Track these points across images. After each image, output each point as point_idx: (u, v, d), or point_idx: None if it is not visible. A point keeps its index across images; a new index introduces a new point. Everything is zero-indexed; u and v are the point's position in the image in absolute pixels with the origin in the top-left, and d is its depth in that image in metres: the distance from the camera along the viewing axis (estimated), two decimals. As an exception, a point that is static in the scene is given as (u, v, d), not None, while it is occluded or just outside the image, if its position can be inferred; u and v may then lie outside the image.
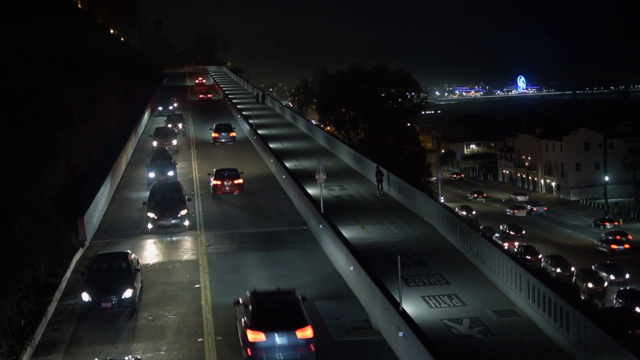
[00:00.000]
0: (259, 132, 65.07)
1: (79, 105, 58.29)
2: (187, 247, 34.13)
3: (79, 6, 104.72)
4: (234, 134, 64.73)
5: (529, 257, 64.99)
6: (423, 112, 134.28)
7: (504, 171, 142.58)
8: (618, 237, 78.54)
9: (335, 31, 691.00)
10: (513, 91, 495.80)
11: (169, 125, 68.63)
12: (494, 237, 71.42)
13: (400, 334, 21.57)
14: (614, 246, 75.24)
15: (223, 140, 63.55)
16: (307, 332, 21.02)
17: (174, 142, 60.89)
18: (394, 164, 72.53)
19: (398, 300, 22.42)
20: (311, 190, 40.49)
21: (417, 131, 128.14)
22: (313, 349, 21.07)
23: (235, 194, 44.50)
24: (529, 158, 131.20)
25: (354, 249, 28.80)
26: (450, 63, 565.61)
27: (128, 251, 28.63)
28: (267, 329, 20.87)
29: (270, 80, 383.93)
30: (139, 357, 20.87)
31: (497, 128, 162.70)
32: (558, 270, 62.42)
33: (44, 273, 29.38)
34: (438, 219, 37.29)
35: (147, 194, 39.56)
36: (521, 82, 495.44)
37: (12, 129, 39.65)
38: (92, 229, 36.38)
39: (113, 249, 34.09)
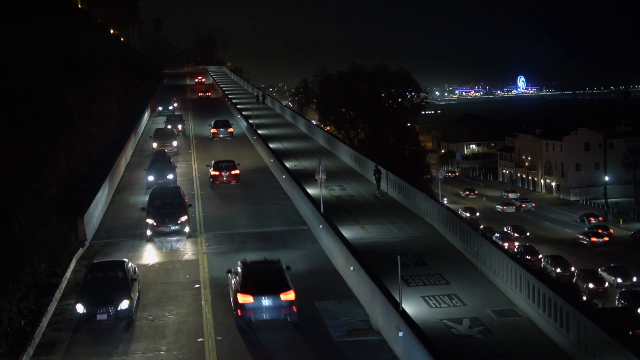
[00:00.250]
0: (259, 132, 65.08)
1: (79, 105, 58.31)
2: (187, 247, 34.13)
3: (79, 6, 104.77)
4: (231, 129, 67.67)
5: (529, 257, 65.00)
6: (423, 112, 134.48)
7: (504, 171, 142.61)
8: (600, 230, 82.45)
9: (335, 31, 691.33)
10: (513, 91, 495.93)
11: (169, 127, 67.64)
12: (494, 237, 71.45)
13: (400, 334, 21.57)
14: (594, 239, 79.33)
15: (221, 136, 66.64)
16: (289, 295, 24.01)
17: (174, 143, 60.26)
18: (394, 164, 72.50)
19: (398, 300, 22.41)
20: (311, 190, 40.49)
21: (417, 131, 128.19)
22: (295, 309, 23.99)
23: (232, 183, 47.31)
24: (529, 158, 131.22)
25: (354, 249, 28.80)
26: (450, 63, 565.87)
27: (124, 260, 27.24)
28: (254, 292, 23.89)
29: (270, 80, 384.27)
30: None
31: (497, 128, 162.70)
32: (558, 270, 62.48)
33: (44, 273, 29.36)
34: (438, 219, 37.28)
35: (146, 197, 38.81)
36: (521, 82, 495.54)
37: (12, 129, 39.66)
38: (92, 229, 36.37)
39: (113, 248, 34.15)
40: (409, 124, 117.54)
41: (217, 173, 47.48)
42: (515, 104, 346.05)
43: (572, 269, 64.56)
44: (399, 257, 23.30)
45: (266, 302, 23.83)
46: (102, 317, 24.02)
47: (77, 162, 48.52)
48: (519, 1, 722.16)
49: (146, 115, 79.85)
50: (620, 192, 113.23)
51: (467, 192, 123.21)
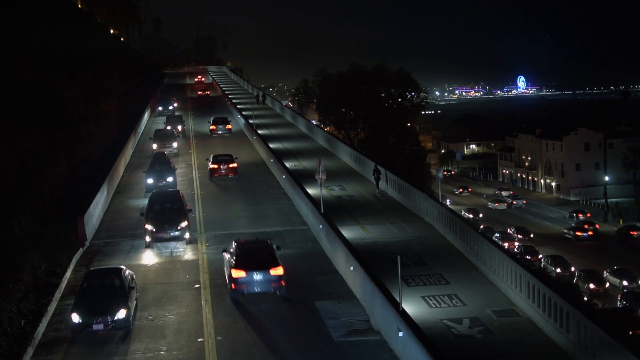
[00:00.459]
0: (259, 132, 65.12)
1: (79, 105, 58.29)
2: (187, 247, 34.10)
3: (79, 6, 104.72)
4: (229, 126, 69.85)
5: (529, 257, 64.96)
6: (423, 112, 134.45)
7: (504, 171, 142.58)
8: (586, 225, 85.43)
9: (335, 31, 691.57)
10: (513, 91, 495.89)
11: (168, 127, 66.78)
12: (494, 237, 71.43)
13: (400, 334, 21.58)
14: (578, 233, 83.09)
15: (220, 132, 68.83)
16: (278, 271, 26.62)
17: (174, 144, 59.58)
18: (394, 164, 72.50)
19: (398, 300, 22.42)
20: (311, 190, 40.50)
21: (417, 131, 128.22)
22: (283, 284, 26.72)
23: (230, 176, 49.30)
24: (529, 158, 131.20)
25: (354, 249, 28.80)
26: (450, 63, 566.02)
27: (122, 267, 26.18)
28: (247, 268, 26.47)
29: (270, 80, 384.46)
30: None
31: (497, 128, 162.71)
32: (558, 270, 62.42)
33: (44, 273, 29.36)
34: (438, 219, 37.28)
35: (145, 201, 38.14)
36: (521, 82, 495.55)
37: (12, 129, 39.65)
38: (92, 229, 36.35)
39: (113, 248, 34.14)
40: (409, 124, 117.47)
41: (215, 166, 49.55)
42: (515, 104, 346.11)
43: (572, 268, 64.51)
44: (399, 257, 23.31)
45: (257, 276, 26.44)
46: (98, 327, 23.24)
47: (77, 162, 48.51)
48: (519, 1, 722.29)
49: (146, 115, 79.84)
50: (620, 192, 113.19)
51: (461, 190, 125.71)
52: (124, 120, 71.34)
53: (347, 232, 33.77)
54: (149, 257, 32.71)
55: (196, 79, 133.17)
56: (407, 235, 36.66)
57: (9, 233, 30.24)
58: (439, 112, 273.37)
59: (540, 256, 68.12)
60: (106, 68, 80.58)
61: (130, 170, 53.72)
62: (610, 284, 59.92)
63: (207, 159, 51.41)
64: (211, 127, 69.43)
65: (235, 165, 49.78)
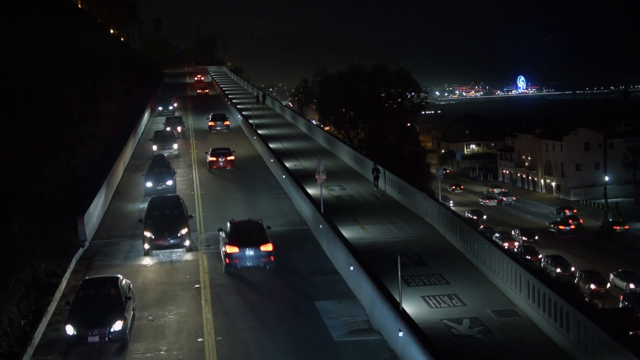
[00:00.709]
0: (259, 132, 65.16)
1: (79, 105, 58.30)
2: (187, 247, 34.06)
3: (79, 6, 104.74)
4: (227, 122, 72.40)
5: (529, 257, 64.93)
6: (423, 112, 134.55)
7: (504, 171, 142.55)
8: (570, 220, 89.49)
9: (335, 31, 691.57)
10: (513, 91, 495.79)
11: (168, 129, 65.86)
12: (494, 237, 71.42)
13: (400, 334, 21.58)
14: (561, 227, 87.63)
15: (218, 128, 71.22)
16: (268, 247, 29.51)
17: (175, 146, 58.67)
18: (394, 164, 72.50)
19: (398, 300, 22.42)
20: (311, 190, 40.50)
21: (417, 131, 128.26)
22: (272, 259, 29.63)
23: (227, 168, 52.02)
24: (529, 158, 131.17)
25: (354, 249, 28.81)
26: (450, 63, 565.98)
27: (118, 276, 25.13)
28: (240, 244, 29.32)
29: (270, 80, 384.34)
30: None
31: (497, 128, 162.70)
32: (558, 270, 62.37)
33: (44, 273, 29.36)
34: (438, 219, 37.28)
35: (144, 205, 37.50)
36: (521, 82, 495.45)
37: (12, 129, 39.66)
38: (92, 228, 36.34)
39: (113, 248, 34.12)
40: (409, 124, 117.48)
41: (214, 159, 52.43)
42: (515, 104, 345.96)
43: (572, 268, 64.47)
44: (399, 257, 23.30)
45: (249, 252, 29.29)
46: (93, 339, 22.39)
47: (77, 162, 48.51)
48: (519, 1, 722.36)
49: (146, 115, 79.82)
50: (620, 192, 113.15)
51: (454, 187, 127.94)
52: (124, 120, 71.30)
53: (347, 232, 33.78)
54: (149, 258, 32.68)
55: (196, 78, 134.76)
56: (407, 235, 36.65)
57: (9, 233, 30.24)
58: (439, 112, 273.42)
59: (540, 256, 68.09)
60: (106, 68, 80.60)
61: (130, 172, 52.98)
62: (616, 286, 59.45)
63: (206, 152, 54.46)
64: (210, 123, 71.91)
65: (232, 157, 52.71)
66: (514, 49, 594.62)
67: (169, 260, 32.22)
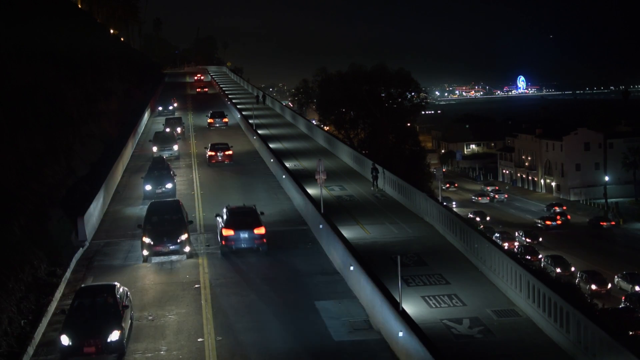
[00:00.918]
0: (259, 132, 65.18)
1: (79, 105, 58.29)
2: (187, 247, 34.01)
3: (79, 6, 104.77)
4: (226, 119, 75.17)
5: (529, 257, 64.95)
6: (423, 112, 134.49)
7: (504, 171, 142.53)
8: (558, 217, 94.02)
9: (335, 31, 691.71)
10: (513, 91, 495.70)
11: (167, 130, 64.72)
12: (493, 237, 71.42)
13: (400, 334, 21.57)
14: (548, 222, 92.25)
15: (217, 125, 73.68)
16: (261, 230, 32.16)
17: (175, 147, 57.64)
18: (393, 164, 72.47)
19: (398, 300, 22.41)
20: (311, 190, 40.49)
21: (417, 131, 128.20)
22: (265, 241, 32.22)
23: (226, 162, 54.19)
24: (529, 158, 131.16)
25: (354, 249, 28.80)
26: (450, 63, 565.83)
27: (115, 283, 24.27)
28: (235, 227, 31.99)
29: (270, 80, 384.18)
30: None
31: (497, 128, 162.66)
32: (558, 270, 62.38)
33: (44, 273, 29.37)
34: (438, 219, 37.27)
35: (143, 209, 36.92)
36: (521, 82, 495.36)
37: (12, 129, 39.65)
38: (92, 228, 36.33)
39: (113, 248, 34.11)
40: (409, 124, 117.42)
41: (213, 153, 54.60)
42: (515, 104, 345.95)
43: (572, 268, 64.48)
44: (399, 257, 23.29)
45: (243, 235, 31.90)
46: (89, 350, 21.58)
47: (77, 162, 48.50)
48: (519, 1, 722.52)
49: (146, 115, 79.81)
50: (620, 192, 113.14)
51: (448, 185, 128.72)
52: (124, 121, 71.30)
53: (347, 232, 33.77)
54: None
55: (195, 78, 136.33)
56: (407, 235, 36.64)
57: (9, 233, 30.25)
58: (439, 112, 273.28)
59: (540, 256, 68.11)
60: (106, 68, 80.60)
61: (129, 174, 51.98)
62: (621, 288, 59.10)
63: (206, 147, 56.66)
64: (209, 120, 74.43)
65: (230, 152, 55.04)
66: (514, 49, 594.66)
67: (169, 260, 32.21)
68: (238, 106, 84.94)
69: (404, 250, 33.10)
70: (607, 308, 48.84)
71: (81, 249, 33.42)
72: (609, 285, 59.51)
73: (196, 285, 28.72)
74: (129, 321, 23.55)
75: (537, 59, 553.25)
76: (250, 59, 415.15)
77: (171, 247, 31.83)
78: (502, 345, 24.18)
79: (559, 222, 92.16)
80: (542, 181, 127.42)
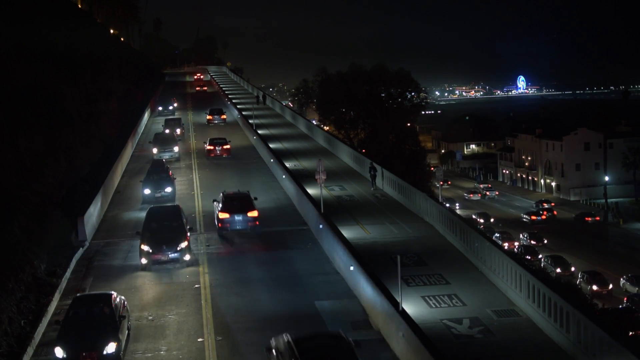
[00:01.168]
0: (259, 132, 65.20)
1: (79, 105, 58.27)
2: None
3: (79, 6, 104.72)
4: (224, 116, 77.82)
5: (529, 257, 64.92)
6: (423, 112, 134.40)
7: (504, 171, 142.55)
8: (545, 212, 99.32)
9: (335, 31, 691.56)
10: (513, 91, 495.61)
11: (167, 131, 64.00)
12: (493, 237, 71.39)
13: (400, 334, 21.57)
14: (533, 217, 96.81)
15: (216, 122, 76.31)
16: (254, 213, 35.13)
17: (175, 149, 56.98)
18: (393, 164, 72.46)
19: (398, 300, 22.41)
20: (311, 190, 40.51)
21: (417, 131, 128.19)
22: (257, 223, 35.30)
23: (224, 156, 56.59)
24: (529, 158, 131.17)
25: (354, 249, 28.80)
26: (450, 63, 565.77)
27: (112, 292, 23.54)
28: (230, 211, 35.01)
29: (270, 80, 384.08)
30: None
31: (497, 128, 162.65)
32: (558, 270, 62.33)
33: (44, 273, 29.37)
34: (438, 219, 37.27)
35: (141, 214, 36.41)
36: (521, 82, 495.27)
37: (12, 129, 39.65)
38: (92, 228, 36.32)
39: (113, 248, 34.10)
40: (409, 124, 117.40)
41: (212, 147, 57.35)
42: (515, 104, 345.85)
43: (573, 269, 64.43)
44: (399, 257, 23.28)
45: (238, 217, 34.83)
46: None
47: (77, 162, 48.49)
48: (520, 1, 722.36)
49: (146, 115, 79.82)
50: (620, 192, 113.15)
51: (441, 183, 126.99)
52: (124, 121, 71.30)
53: (347, 232, 33.77)
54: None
55: (195, 77, 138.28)
56: (407, 235, 36.64)
57: (9, 233, 30.25)
58: (439, 112, 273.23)
59: (540, 256, 68.08)
60: (106, 68, 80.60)
61: (128, 176, 51.19)
62: (627, 290, 58.74)
63: (205, 142, 59.38)
64: (208, 117, 77.09)
65: (228, 146, 57.60)
66: (514, 49, 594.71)
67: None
68: (238, 106, 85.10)
69: (404, 250, 33.09)
70: (607, 308, 48.80)
71: (81, 249, 33.42)
72: (610, 286, 59.37)
73: (196, 285, 28.73)
74: (126, 332, 22.76)
75: (537, 59, 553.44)
76: (250, 59, 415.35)
77: (171, 256, 30.71)
78: (502, 345, 24.18)
79: (543, 217, 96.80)
80: (542, 181, 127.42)
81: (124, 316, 22.75)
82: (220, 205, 35.71)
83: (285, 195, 44.62)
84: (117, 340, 21.28)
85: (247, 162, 55.93)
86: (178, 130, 66.46)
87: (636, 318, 46.46)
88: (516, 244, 75.88)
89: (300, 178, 44.88)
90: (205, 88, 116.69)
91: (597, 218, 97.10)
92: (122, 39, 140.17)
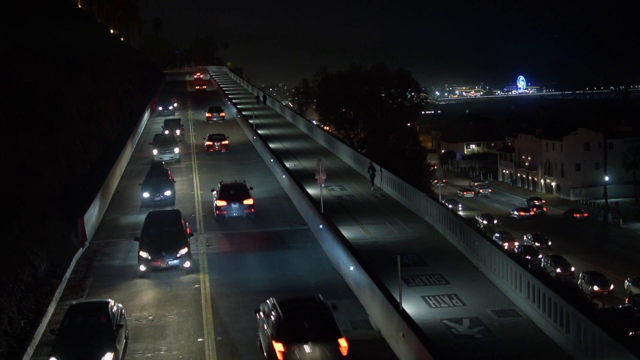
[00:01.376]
0: (259, 132, 65.22)
1: (79, 105, 58.28)
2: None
3: (79, 6, 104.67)
4: (223, 114, 80.00)
5: (529, 257, 64.91)
6: (423, 112, 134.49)
7: (504, 171, 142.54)
8: (535, 208, 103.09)
9: (335, 31, 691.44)
10: (513, 91, 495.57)
11: (166, 132, 63.60)
12: (493, 237, 71.38)
13: (400, 334, 21.57)
14: (521, 213, 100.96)
15: (215, 119, 78.56)
16: (249, 202, 38.16)
17: (176, 150, 56.33)
18: (393, 164, 72.47)
19: (398, 300, 22.41)
20: (311, 190, 40.53)
21: (417, 131, 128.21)
22: (252, 210, 38.18)
23: (222, 151, 59.08)
24: (529, 158, 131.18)
25: (354, 249, 28.80)
26: (450, 63, 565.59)
27: (109, 300, 22.71)
28: (227, 199, 37.88)
29: (270, 80, 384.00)
30: None
31: (497, 128, 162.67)
32: (558, 270, 62.31)
33: (44, 273, 29.37)
34: (438, 219, 37.27)
35: (139, 217, 35.94)
36: (521, 82, 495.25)
37: (12, 129, 39.68)
38: (92, 228, 36.30)
39: (113, 248, 34.08)
40: (409, 124, 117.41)
41: (210, 143, 59.72)
42: (515, 104, 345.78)
43: (572, 269, 64.40)
44: (399, 257, 23.27)
45: (234, 205, 37.78)
46: None
47: (77, 162, 48.50)
48: (520, 1, 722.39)
49: (146, 116, 79.82)
50: (620, 192, 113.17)
51: (435, 181, 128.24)
52: (124, 121, 71.30)
53: (347, 232, 33.77)
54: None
55: (195, 76, 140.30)
56: (407, 235, 36.64)
57: (9, 233, 30.25)
58: (439, 112, 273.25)
59: (540, 256, 68.07)
60: (106, 68, 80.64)
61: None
62: (632, 292, 58.25)
63: (204, 138, 61.52)
64: (207, 114, 79.34)
65: (226, 142, 60.02)
66: (514, 49, 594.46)
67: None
68: (238, 106, 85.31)
69: (404, 250, 33.08)
70: (607, 308, 48.81)
71: (81, 249, 33.41)
72: (612, 287, 59.27)
73: (196, 285, 28.72)
74: (124, 341, 22.06)
75: (537, 59, 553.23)
76: (250, 59, 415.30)
77: (170, 263, 29.77)
78: (502, 345, 24.19)
79: (531, 213, 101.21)
80: (542, 181, 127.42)
81: (122, 325, 21.93)
82: (218, 193, 38.52)
83: (283, 192, 45.34)
84: (114, 350, 20.57)
85: (245, 157, 57.74)
86: (177, 131, 65.90)
87: (636, 318, 46.45)
88: (516, 243, 75.81)
89: (300, 178, 44.91)
90: (205, 87, 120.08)
91: (585, 214, 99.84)
92: (122, 39, 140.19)
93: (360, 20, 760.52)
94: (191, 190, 46.42)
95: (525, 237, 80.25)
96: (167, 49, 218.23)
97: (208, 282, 29.05)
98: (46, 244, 31.81)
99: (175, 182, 44.69)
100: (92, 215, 36.95)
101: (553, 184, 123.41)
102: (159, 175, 43.27)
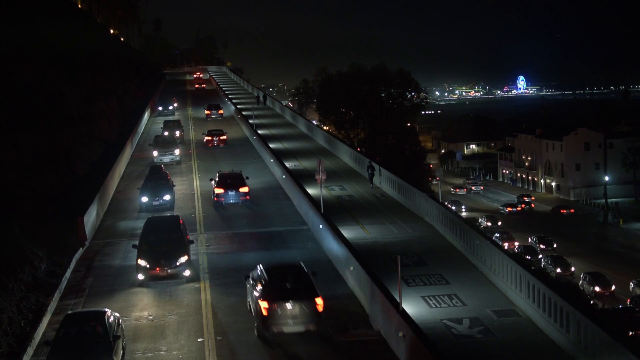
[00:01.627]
0: (259, 132, 65.22)
1: (79, 105, 58.28)
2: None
3: (79, 6, 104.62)
4: (221, 111, 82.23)
5: (529, 257, 64.90)
6: (423, 112, 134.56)
7: (504, 171, 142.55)
8: (523, 204, 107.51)
9: (335, 31, 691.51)
10: (513, 91, 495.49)
11: (166, 133, 62.86)
12: (493, 237, 71.35)
13: (400, 334, 21.56)
14: (509, 209, 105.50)
15: (213, 116, 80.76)
16: (245, 189, 41.30)
17: (177, 151, 55.52)
18: (393, 164, 72.45)
19: (398, 300, 22.41)
20: (311, 190, 40.53)
21: (417, 131, 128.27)
22: (248, 197, 41.42)
23: (221, 146, 61.33)
24: (529, 158, 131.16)
25: (353, 249, 28.79)
26: (450, 63, 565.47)
27: (106, 310, 21.90)
28: (224, 187, 41.02)
29: (270, 80, 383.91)
30: None
31: (497, 128, 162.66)
32: (558, 270, 62.30)
33: (44, 273, 29.36)
34: (438, 219, 37.27)
35: (138, 222, 35.36)
36: (521, 82, 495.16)
37: (12, 129, 39.67)
38: (92, 228, 36.27)
39: (113, 248, 34.06)
40: (409, 124, 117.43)
41: (209, 138, 62.07)
42: (515, 104, 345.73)
43: (573, 269, 64.37)
44: (399, 257, 23.29)
45: (231, 192, 40.91)
46: None
47: (77, 162, 48.49)
48: (520, 1, 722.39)
49: (146, 116, 79.79)
50: (620, 192, 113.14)
51: (430, 179, 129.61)
52: (123, 121, 71.29)
53: (347, 232, 33.76)
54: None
55: (195, 75, 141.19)
56: (407, 235, 36.64)
57: (9, 233, 30.25)
58: (439, 112, 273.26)
59: (540, 256, 68.05)
60: (106, 68, 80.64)
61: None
62: (637, 294, 57.81)
63: (203, 133, 64.28)
64: (206, 112, 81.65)
65: (225, 137, 62.62)
66: (514, 49, 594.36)
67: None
68: (238, 106, 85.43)
69: (404, 250, 33.11)
70: (607, 308, 48.79)
71: (81, 249, 33.41)
72: (613, 287, 59.15)
73: (196, 285, 28.71)
74: (121, 352, 21.26)
75: (537, 59, 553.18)
76: (250, 59, 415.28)
77: (169, 271, 28.77)
78: (502, 345, 24.19)
79: (519, 209, 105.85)
80: (542, 181, 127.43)
81: (119, 336, 21.18)
82: (216, 181, 41.76)
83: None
84: None
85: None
86: (177, 133, 64.96)
87: (636, 318, 46.45)
88: (516, 243, 75.74)
89: (300, 178, 44.90)
90: (204, 85, 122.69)
91: (572, 210, 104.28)
92: (122, 39, 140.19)
93: (360, 20, 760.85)
94: (191, 190, 46.42)
95: (530, 239, 78.43)
96: (167, 49, 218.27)
97: (208, 282, 29.02)
98: (46, 244, 31.80)
99: (174, 185, 43.85)
100: (93, 215, 36.91)
101: (553, 184, 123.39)
102: (158, 179, 42.35)
